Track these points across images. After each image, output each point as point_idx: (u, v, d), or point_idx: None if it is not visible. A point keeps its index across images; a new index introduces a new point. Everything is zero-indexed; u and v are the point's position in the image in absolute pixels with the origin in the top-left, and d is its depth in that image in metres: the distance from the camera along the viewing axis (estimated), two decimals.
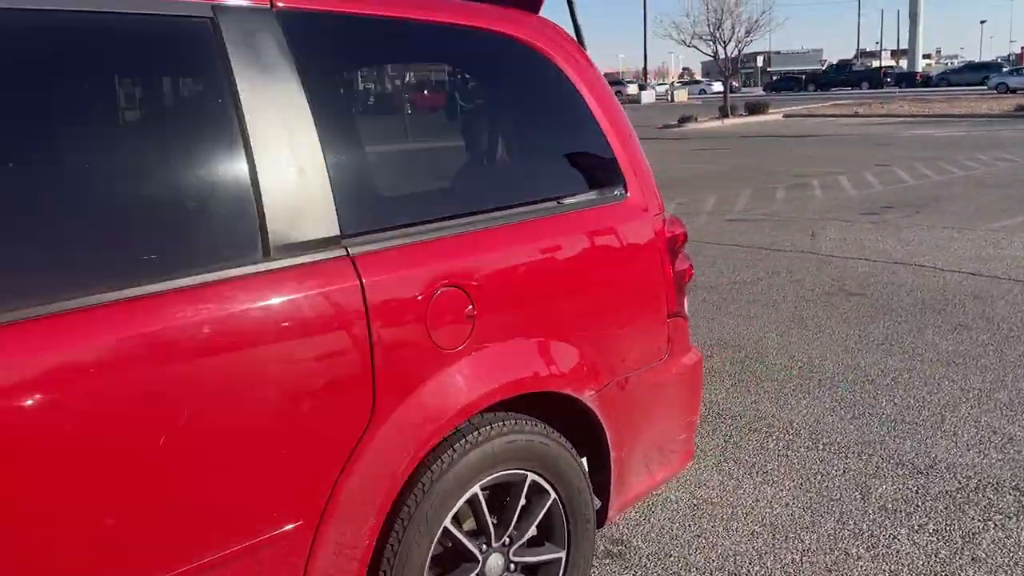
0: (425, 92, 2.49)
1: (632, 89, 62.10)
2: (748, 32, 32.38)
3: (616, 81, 75.11)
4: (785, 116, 33.22)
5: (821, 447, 3.86)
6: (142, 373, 1.53)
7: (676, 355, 2.67)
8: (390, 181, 2.00)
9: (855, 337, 5.44)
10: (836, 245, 8.38)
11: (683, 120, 30.93)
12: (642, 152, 2.64)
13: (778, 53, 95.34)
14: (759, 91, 63.50)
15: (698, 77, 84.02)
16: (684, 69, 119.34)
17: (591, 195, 2.43)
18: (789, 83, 63.40)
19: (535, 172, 2.38)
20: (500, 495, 2.23)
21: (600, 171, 2.49)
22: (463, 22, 2.24)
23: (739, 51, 32.99)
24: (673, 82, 79.21)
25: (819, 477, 3.57)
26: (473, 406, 2.03)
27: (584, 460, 2.52)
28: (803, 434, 4.00)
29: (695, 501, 3.41)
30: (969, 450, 3.77)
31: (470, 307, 2.03)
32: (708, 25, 32.42)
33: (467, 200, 2.15)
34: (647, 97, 55.25)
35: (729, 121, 31.32)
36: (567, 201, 2.35)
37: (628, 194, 2.50)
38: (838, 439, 3.93)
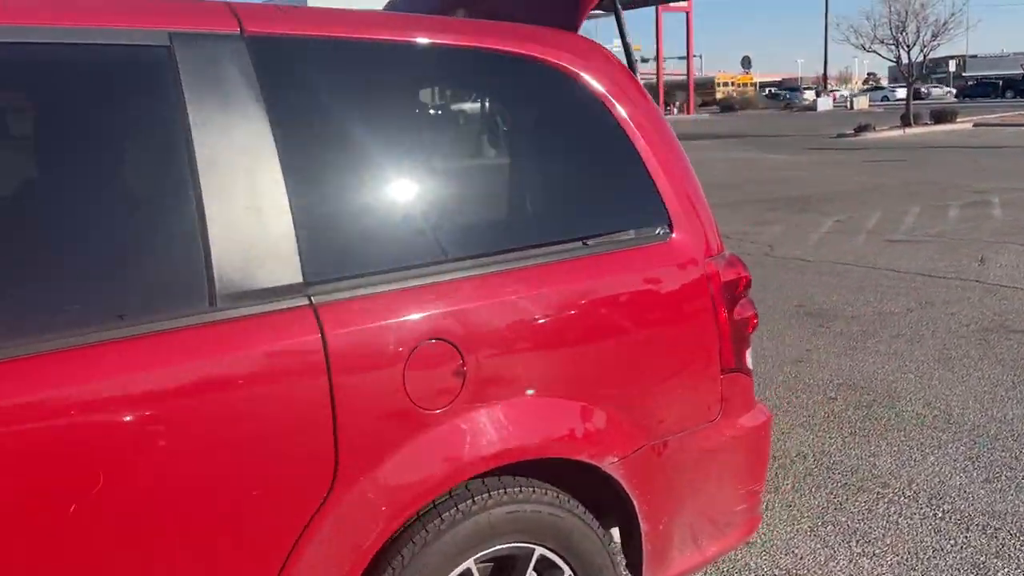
0: (427, 119, 2.29)
1: (809, 96, 59.60)
2: (935, 35, 30.23)
3: (792, 88, 72.32)
4: (975, 125, 30.80)
5: (940, 515, 3.38)
6: (50, 435, 1.43)
7: (732, 415, 2.35)
8: (370, 222, 1.82)
9: (1008, 383, 4.81)
10: (1007, 273, 7.55)
11: (860, 129, 29.24)
12: (698, 186, 2.35)
13: (974, 57, 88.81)
14: (950, 98, 59.41)
15: (884, 83, 79.64)
16: (869, 74, 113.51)
17: (625, 235, 2.16)
18: (984, 89, 58.90)
19: (556, 210, 2.14)
20: (503, 571, 2.00)
21: (638, 208, 2.22)
22: (480, 44, 2.05)
23: (924, 55, 30.84)
24: (852, 89, 75.33)
25: (930, 552, 3.12)
26: (459, 474, 1.83)
27: (616, 531, 2.26)
28: (921, 497, 3.52)
29: (777, 571, 3.04)
30: None
31: (460, 363, 1.83)
32: (890, 28, 30.52)
33: (465, 242, 1.94)
34: (823, 104, 52.83)
35: (911, 130, 29.35)
36: (594, 242, 2.10)
37: (673, 233, 2.22)
38: (963, 506, 3.43)
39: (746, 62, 75.14)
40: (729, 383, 2.33)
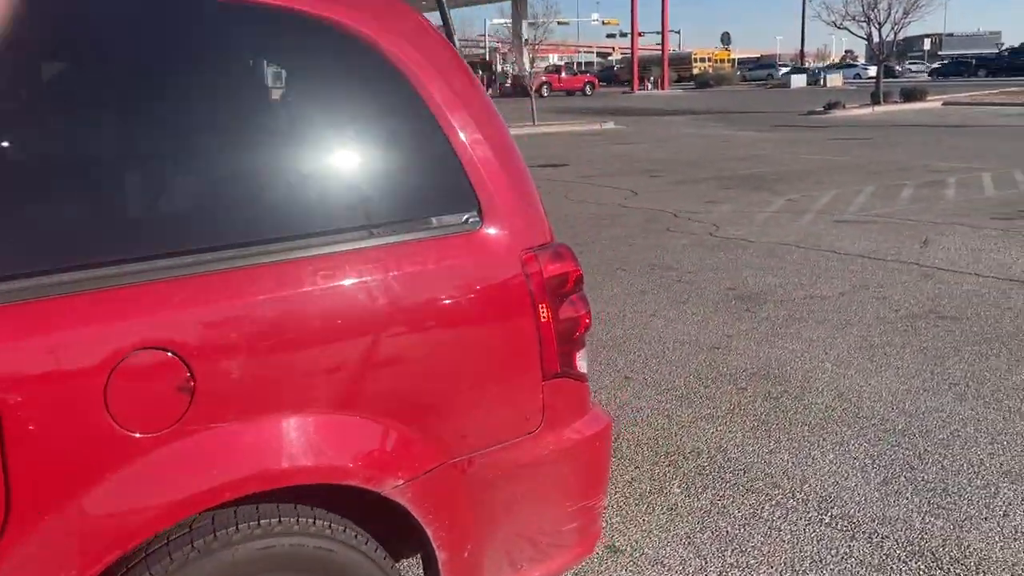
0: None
1: (783, 72, 59.34)
2: (907, 12, 30.01)
3: (768, 64, 72.04)
4: (944, 104, 30.72)
5: (828, 520, 3.17)
6: None
7: (558, 425, 2.11)
8: (66, 205, 1.55)
9: (926, 374, 4.61)
10: (948, 256, 7.37)
11: (829, 106, 29.06)
12: (523, 171, 2.09)
13: (950, 36, 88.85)
14: (925, 76, 59.30)
15: (862, 60, 79.59)
16: (847, 52, 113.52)
17: (422, 223, 1.90)
18: (957, 68, 58.75)
19: (335, 195, 1.86)
20: None
21: (442, 194, 1.96)
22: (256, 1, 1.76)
23: (895, 33, 30.61)
24: (821, 66, 74.93)
25: (807, 564, 2.90)
26: (185, 506, 1.57)
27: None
28: (811, 500, 3.31)
29: None
30: (1016, 539, 3.00)
31: (187, 377, 1.56)
32: (862, 5, 30.25)
33: (205, 232, 1.66)
34: (797, 81, 52.57)
35: (880, 108, 29.20)
36: (383, 230, 1.84)
37: (484, 222, 1.96)
38: (853, 511, 3.22)
39: (726, 38, 74.81)
40: (553, 390, 2.08)
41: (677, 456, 3.73)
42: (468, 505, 1.96)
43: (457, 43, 2.16)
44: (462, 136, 1.94)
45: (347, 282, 1.76)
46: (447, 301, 1.89)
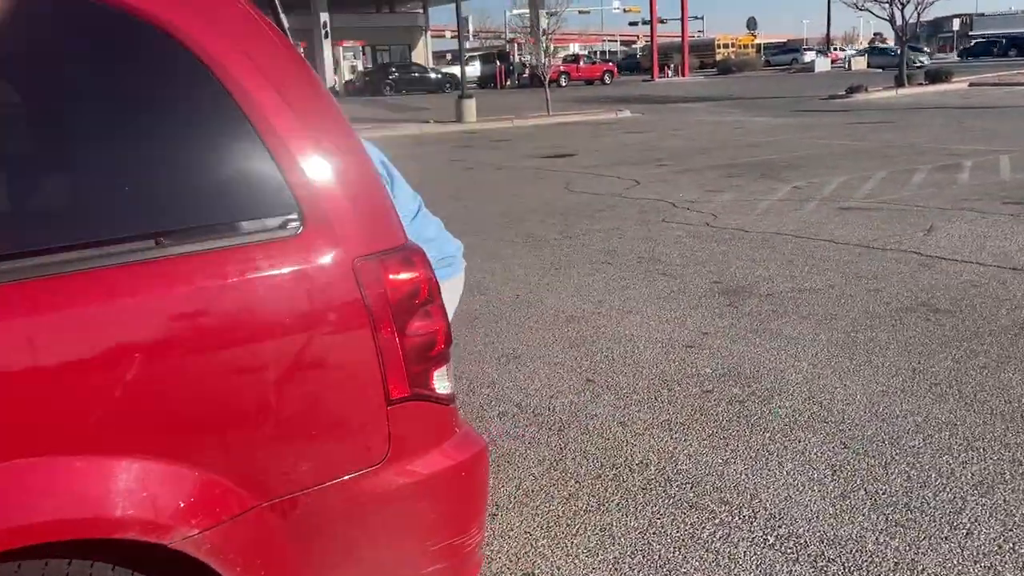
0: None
1: (808, 57, 58.36)
2: None
3: (793, 49, 70.91)
4: (971, 85, 29.95)
5: (772, 541, 2.89)
6: None
7: (410, 455, 1.86)
8: None
9: (907, 373, 4.30)
10: (951, 244, 7.01)
11: (852, 90, 28.42)
12: (363, 167, 1.84)
13: (981, 15, 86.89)
14: (954, 57, 58.04)
15: (890, 43, 78.28)
16: (876, 34, 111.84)
17: (226, 229, 1.65)
18: (987, 48, 57.48)
19: (117, 199, 1.62)
20: None
21: (253, 196, 1.71)
22: None
23: (918, 14, 29.85)
24: (845, 48, 73.44)
25: None
26: None
27: None
28: (759, 518, 3.04)
29: None
30: (977, 561, 2.71)
31: None
32: None
33: None
34: (821, 65, 51.67)
35: (904, 91, 28.53)
36: (175, 239, 1.59)
37: (305, 226, 1.71)
38: (802, 530, 2.94)
39: (751, 23, 73.66)
40: (402, 415, 1.83)
41: (624, 468, 3.47)
42: (293, 554, 1.72)
43: (286, 27, 1.92)
44: (280, 131, 1.69)
45: (122, 300, 1.52)
46: (257, 318, 1.65)
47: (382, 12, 53.52)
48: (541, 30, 28.58)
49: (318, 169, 1.73)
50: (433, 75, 42.78)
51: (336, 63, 42.11)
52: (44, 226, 1.54)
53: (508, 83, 46.94)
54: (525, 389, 4.36)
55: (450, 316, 2.98)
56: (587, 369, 4.61)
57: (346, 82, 41.56)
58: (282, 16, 1.95)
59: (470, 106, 24.58)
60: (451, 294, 2.95)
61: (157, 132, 1.66)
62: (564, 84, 43.82)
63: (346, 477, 1.77)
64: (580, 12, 73.07)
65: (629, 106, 28.09)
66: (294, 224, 1.70)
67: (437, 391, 1.89)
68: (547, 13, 30.13)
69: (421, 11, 53.06)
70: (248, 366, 1.64)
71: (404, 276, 1.81)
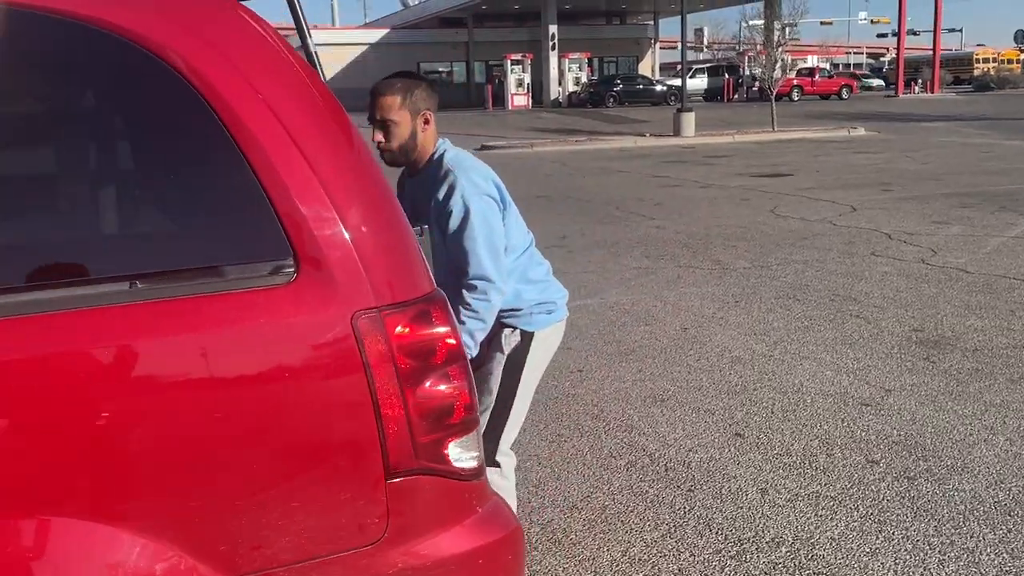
0: None
1: None
2: None
3: None
4: None
5: None
6: None
7: (413, 536, 1.63)
8: None
9: None
10: None
11: None
12: (381, 205, 1.63)
13: None
14: None
15: None
16: None
17: (208, 273, 1.50)
18: None
19: (87, 236, 1.50)
20: None
21: (239, 236, 1.55)
22: None
23: None
24: None
25: None
26: None
27: None
28: None
29: None
30: None
31: None
32: None
33: None
34: None
35: None
36: (150, 284, 1.46)
37: (299, 273, 1.52)
38: None
39: (1019, 36, 67.06)
40: (407, 490, 1.61)
41: (750, 545, 3.05)
42: None
43: (313, 49, 1.74)
44: (279, 167, 1.51)
45: (97, 350, 1.40)
46: (230, 374, 1.48)
47: (612, 24, 53.57)
48: (774, 41, 27.34)
49: (320, 211, 1.54)
50: (658, 87, 42.21)
51: (561, 74, 42.54)
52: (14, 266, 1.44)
53: (736, 96, 45.52)
54: (663, 438, 4.00)
55: (538, 368, 2.73)
56: (739, 421, 4.17)
57: (569, 94, 41.88)
58: (306, 29, 1.78)
59: (688, 119, 23.96)
60: (544, 343, 2.69)
61: (138, 158, 1.54)
62: (796, 98, 41.84)
63: (330, 556, 1.57)
64: (822, 23, 69.72)
65: (865, 123, 26.31)
66: (288, 271, 1.52)
67: (454, 464, 1.65)
68: (782, 24, 28.82)
69: (651, 23, 52.57)
70: (220, 427, 1.47)
71: (416, 333, 1.59)
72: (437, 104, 2.58)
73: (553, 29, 41.97)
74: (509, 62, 40.86)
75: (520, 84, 41.08)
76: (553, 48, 41.84)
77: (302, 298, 1.52)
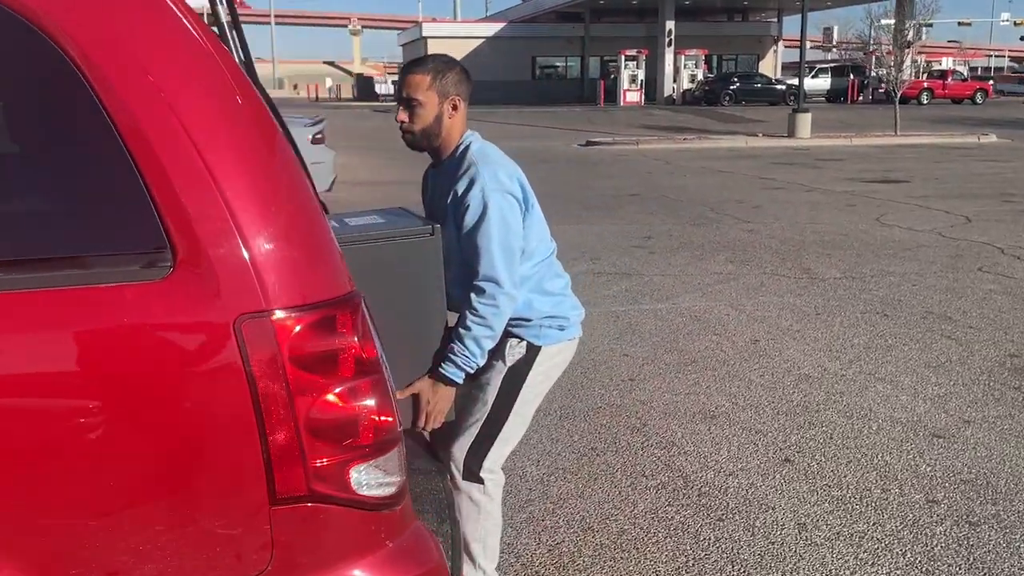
0: None
1: None
2: None
3: None
4: None
5: None
6: None
7: (309, 571, 1.45)
8: None
9: None
10: None
11: None
12: (286, 194, 1.46)
13: None
14: None
15: None
16: None
17: (66, 264, 1.35)
18: None
19: None
20: None
21: (106, 225, 1.39)
22: None
23: None
24: None
25: None
26: None
27: None
28: None
29: None
30: None
31: None
32: None
33: None
34: None
35: None
36: None
37: (176, 268, 1.36)
38: None
39: None
40: (296, 518, 1.43)
41: None
42: None
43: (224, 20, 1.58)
44: (161, 155, 1.35)
45: None
46: (80, 377, 1.34)
47: (733, 20, 52.17)
48: (904, 41, 25.96)
49: (206, 205, 1.37)
50: (779, 86, 40.77)
51: (676, 71, 41.66)
52: None
53: (860, 98, 43.59)
54: (704, 459, 3.71)
55: (539, 386, 2.50)
56: (792, 445, 3.84)
57: (684, 91, 40.98)
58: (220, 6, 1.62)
59: (804, 120, 23.00)
60: (549, 361, 2.48)
61: None
62: (926, 102, 39.78)
63: None
64: (960, 24, 66.31)
65: (998, 130, 24.70)
66: (163, 264, 1.36)
67: (357, 492, 1.47)
68: (915, 24, 27.34)
69: (775, 20, 50.92)
70: (71, 436, 1.33)
71: (315, 340, 1.41)
72: (470, 92, 2.40)
73: (670, 25, 41.14)
74: (623, 57, 40.29)
75: (633, 80, 40.45)
76: (669, 44, 41.03)
77: (177, 296, 1.36)
